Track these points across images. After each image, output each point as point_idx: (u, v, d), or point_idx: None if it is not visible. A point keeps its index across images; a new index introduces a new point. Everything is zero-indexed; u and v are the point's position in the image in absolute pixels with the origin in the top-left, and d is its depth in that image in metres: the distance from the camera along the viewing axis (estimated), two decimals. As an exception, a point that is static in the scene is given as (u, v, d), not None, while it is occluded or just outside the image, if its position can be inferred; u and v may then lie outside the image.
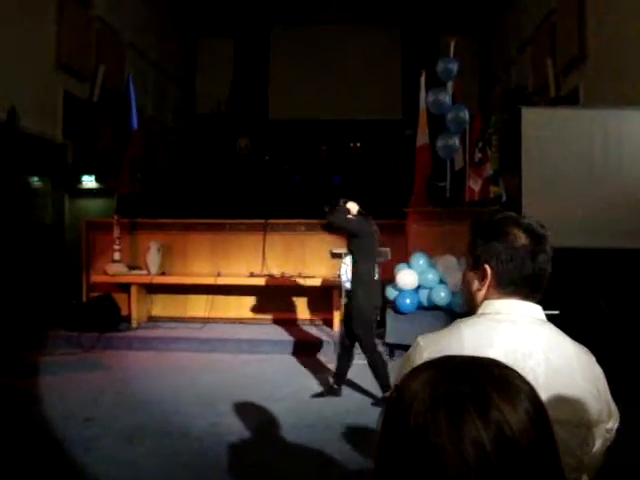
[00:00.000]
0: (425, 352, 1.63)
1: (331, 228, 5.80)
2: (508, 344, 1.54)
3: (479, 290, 1.71)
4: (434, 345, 1.63)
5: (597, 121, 7.05)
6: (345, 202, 5.78)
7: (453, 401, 0.81)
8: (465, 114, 8.23)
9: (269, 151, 15.25)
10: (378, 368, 5.73)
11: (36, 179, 9.70)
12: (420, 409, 0.81)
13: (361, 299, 5.77)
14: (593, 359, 1.60)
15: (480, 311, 1.68)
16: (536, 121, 7.21)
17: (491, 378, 0.85)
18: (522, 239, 1.62)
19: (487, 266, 1.67)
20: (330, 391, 6.04)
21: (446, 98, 8.30)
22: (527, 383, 0.87)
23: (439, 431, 0.78)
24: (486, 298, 1.69)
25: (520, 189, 7.12)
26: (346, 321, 5.91)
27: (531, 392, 0.86)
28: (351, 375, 6.62)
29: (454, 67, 8.42)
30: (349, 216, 5.74)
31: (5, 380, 6.41)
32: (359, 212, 5.79)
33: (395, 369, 5.88)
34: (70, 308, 8.55)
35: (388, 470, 0.82)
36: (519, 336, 1.56)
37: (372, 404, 5.76)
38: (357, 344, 5.91)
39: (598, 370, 1.59)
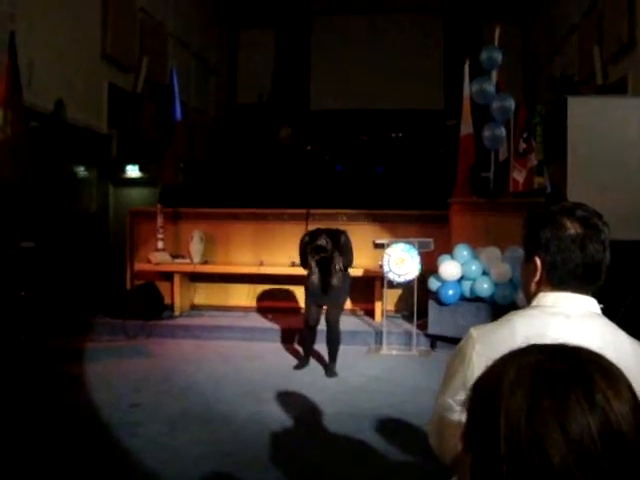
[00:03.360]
0: (477, 344, 1.62)
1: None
2: (561, 338, 1.51)
3: (532, 282, 1.68)
4: (487, 337, 1.62)
5: (646, 110, 6.88)
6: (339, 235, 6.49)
7: (557, 380, 0.81)
8: (511, 103, 8.10)
9: (311, 141, 15.23)
10: (339, 340, 6.62)
11: (82, 169, 9.86)
12: (521, 392, 0.81)
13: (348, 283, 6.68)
14: None
15: (534, 303, 1.66)
16: (583, 111, 7.05)
17: (593, 362, 0.84)
18: (571, 229, 1.59)
19: (537, 258, 1.65)
20: (302, 365, 6.75)
21: (491, 87, 8.19)
22: (624, 374, 0.86)
23: (542, 412, 0.78)
24: (539, 290, 1.67)
25: (565, 180, 7.00)
26: (322, 302, 6.58)
27: (628, 382, 0.84)
28: (394, 369, 6.65)
29: (498, 56, 8.29)
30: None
31: (51, 366, 6.55)
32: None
33: (440, 360, 5.87)
34: (114, 296, 8.68)
35: (487, 461, 0.82)
36: (573, 330, 1.53)
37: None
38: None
39: (656, 367, 1.55)
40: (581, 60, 11.50)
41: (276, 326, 8.12)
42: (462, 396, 1.64)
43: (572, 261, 1.60)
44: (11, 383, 5.85)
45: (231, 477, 4.09)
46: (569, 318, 1.57)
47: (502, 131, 8.15)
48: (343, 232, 6.58)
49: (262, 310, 8.87)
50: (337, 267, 6.35)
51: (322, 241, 6.34)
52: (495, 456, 0.80)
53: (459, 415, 1.65)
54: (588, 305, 1.62)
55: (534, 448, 0.77)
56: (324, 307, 6.68)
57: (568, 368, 0.82)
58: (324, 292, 6.40)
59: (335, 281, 6.35)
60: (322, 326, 6.71)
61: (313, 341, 6.79)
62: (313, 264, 6.37)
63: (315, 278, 6.38)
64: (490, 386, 0.86)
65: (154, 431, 4.85)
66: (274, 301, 8.90)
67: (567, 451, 0.76)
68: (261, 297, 9.00)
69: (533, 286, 1.69)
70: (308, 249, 6.41)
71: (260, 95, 16.04)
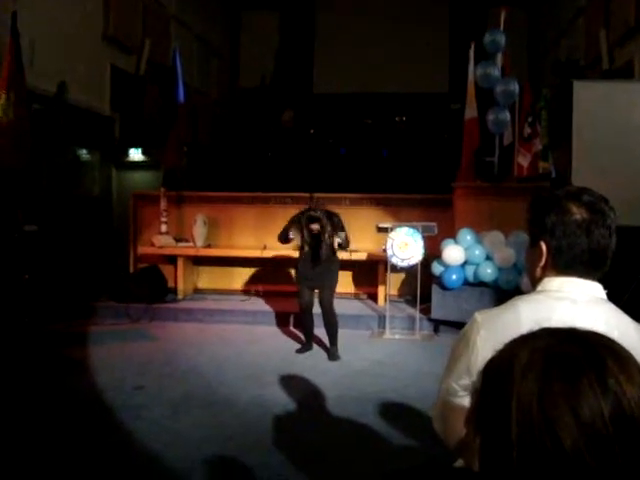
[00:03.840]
0: (482, 329, 1.61)
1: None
2: (567, 322, 1.50)
3: (537, 267, 1.67)
4: (491, 321, 1.61)
5: (653, 95, 6.82)
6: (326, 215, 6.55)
7: (569, 364, 0.80)
8: (515, 87, 8.04)
9: (314, 124, 15.18)
10: (336, 323, 6.61)
11: (84, 152, 9.83)
12: (532, 375, 0.80)
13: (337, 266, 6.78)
14: None
15: (539, 288, 1.65)
16: (588, 95, 7.00)
17: (605, 345, 0.84)
18: (577, 214, 1.58)
19: (542, 242, 1.63)
20: (305, 349, 6.78)
21: (495, 71, 8.13)
22: (634, 358, 0.85)
23: (554, 396, 0.78)
24: (545, 275, 1.66)
25: (570, 165, 6.96)
26: (313, 285, 6.67)
27: (639, 366, 0.83)
28: (397, 354, 6.65)
29: (502, 39, 8.22)
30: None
31: (55, 349, 6.56)
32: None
33: (443, 345, 5.87)
34: (118, 279, 8.69)
35: (498, 445, 0.81)
36: (578, 315, 1.52)
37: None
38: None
39: (661, 352, 1.54)
40: (587, 44, 11.40)
41: (278, 310, 8.12)
42: (466, 380, 1.63)
43: (578, 246, 1.58)
44: (15, 366, 5.86)
45: (233, 460, 4.10)
46: (575, 303, 1.56)
47: (506, 115, 8.10)
48: (337, 214, 6.68)
49: (265, 294, 8.87)
50: (327, 235, 6.44)
51: (317, 213, 6.47)
52: (506, 440, 0.79)
53: (463, 399, 1.65)
54: (594, 290, 1.61)
55: (545, 432, 0.77)
56: (316, 291, 6.74)
57: (580, 352, 0.82)
58: (314, 264, 6.49)
59: (324, 253, 6.44)
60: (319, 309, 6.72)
61: (311, 325, 6.79)
62: (306, 234, 6.48)
63: (307, 252, 6.52)
64: (501, 370, 0.85)
65: (157, 414, 4.86)
66: (277, 285, 8.89)
67: (579, 435, 0.75)
68: (264, 280, 9.00)
69: (538, 271, 1.67)
70: (303, 220, 6.50)
71: (263, 78, 15.96)
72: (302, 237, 6.52)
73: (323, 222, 6.42)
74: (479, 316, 1.65)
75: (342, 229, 6.59)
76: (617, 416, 0.76)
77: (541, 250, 1.63)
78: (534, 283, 1.69)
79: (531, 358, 0.83)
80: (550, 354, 0.82)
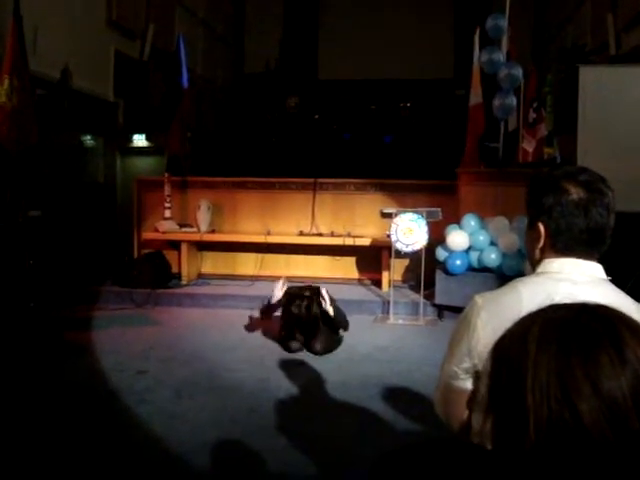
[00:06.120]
0: (482, 311, 1.60)
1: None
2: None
3: (536, 249, 1.67)
4: (492, 304, 1.61)
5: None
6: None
7: (585, 336, 0.79)
8: (518, 72, 7.96)
9: (318, 110, 15.14)
10: None
11: (88, 138, 9.82)
12: (548, 349, 0.80)
13: None
14: None
15: (539, 270, 1.64)
16: (595, 80, 6.96)
17: (619, 318, 0.83)
18: (574, 194, 1.57)
19: (540, 224, 1.63)
20: None
21: (499, 57, 8.06)
22: None
23: (572, 369, 0.77)
24: (544, 257, 1.65)
25: (575, 151, 6.93)
26: None
27: None
28: (402, 339, 6.65)
29: (504, 24, 8.14)
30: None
31: (60, 333, 6.58)
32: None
33: (447, 330, 5.87)
34: (122, 265, 8.70)
35: (513, 422, 0.81)
36: (579, 296, 1.51)
37: None
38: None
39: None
40: (594, 29, 11.30)
41: (283, 295, 8.12)
42: (467, 363, 1.63)
43: (576, 226, 1.58)
44: (20, 350, 5.88)
45: (237, 444, 4.11)
46: (576, 284, 1.56)
47: (513, 100, 8.03)
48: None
49: (269, 279, 8.86)
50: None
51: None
52: (522, 417, 0.79)
53: (465, 382, 1.65)
54: (594, 271, 1.61)
55: (564, 405, 0.76)
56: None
57: (596, 324, 0.81)
58: None
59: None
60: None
61: None
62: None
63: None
64: (514, 346, 0.84)
65: (161, 398, 4.88)
66: (281, 270, 8.89)
67: (598, 407, 0.75)
68: (268, 266, 9.00)
69: (537, 253, 1.67)
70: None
71: (267, 64, 15.90)
72: None
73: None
74: (479, 299, 1.65)
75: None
76: (636, 389, 0.76)
77: (539, 231, 1.63)
78: (534, 265, 1.69)
79: (545, 332, 0.82)
80: (565, 327, 0.81)
